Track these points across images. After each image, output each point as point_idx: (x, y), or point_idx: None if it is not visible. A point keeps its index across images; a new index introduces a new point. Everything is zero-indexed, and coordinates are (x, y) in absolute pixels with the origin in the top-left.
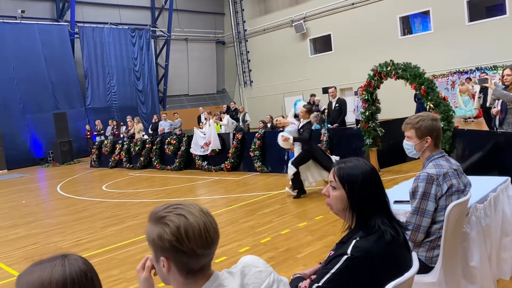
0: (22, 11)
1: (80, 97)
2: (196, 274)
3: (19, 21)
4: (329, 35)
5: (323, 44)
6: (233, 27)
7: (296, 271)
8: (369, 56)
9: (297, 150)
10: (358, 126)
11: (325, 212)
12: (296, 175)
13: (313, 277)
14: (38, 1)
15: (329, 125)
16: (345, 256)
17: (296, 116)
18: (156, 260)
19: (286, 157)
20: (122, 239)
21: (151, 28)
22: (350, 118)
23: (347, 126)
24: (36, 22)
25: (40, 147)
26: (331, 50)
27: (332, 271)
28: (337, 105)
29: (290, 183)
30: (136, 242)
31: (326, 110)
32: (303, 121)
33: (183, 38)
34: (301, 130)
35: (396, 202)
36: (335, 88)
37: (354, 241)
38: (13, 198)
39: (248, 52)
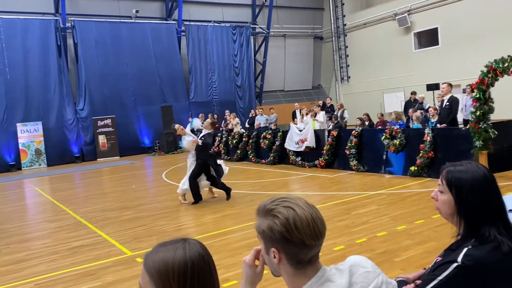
0: (136, 11)
1: (184, 92)
2: (305, 266)
3: (133, 21)
4: (436, 28)
5: (428, 38)
6: (332, 22)
7: (393, 275)
8: (481, 52)
9: (190, 162)
10: (467, 127)
11: (426, 216)
12: (192, 186)
13: (418, 282)
14: (150, 2)
15: (437, 125)
16: (455, 264)
17: (192, 130)
18: (266, 251)
19: (384, 156)
20: (220, 227)
21: (251, 25)
22: (458, 117)
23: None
24: (148, 21)
25: (148, 137)
26: (437, 44)
27: (440, 278)
28: (447, 103)
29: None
30: (233, 231)
31: (431, 109)
32: (204, 131)
33: (281, 34)
34: (202, 138)
35: (511, 211)
36: (449, 84)
37: (465, 249)
38: (124, 182)
39: (347, 47)
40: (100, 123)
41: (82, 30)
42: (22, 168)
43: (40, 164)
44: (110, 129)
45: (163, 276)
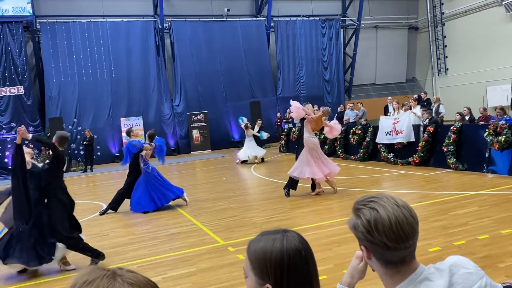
0: (228, 10)
1: (272, 87)
2: (397, 266)
3: (225, 19)
4: None
5: None
6: (428, 10)
7: (497, 282)
8: None
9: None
10: None
11: None
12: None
13: None
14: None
15: None
16: None
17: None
18: (360, 247)
19: (487, 154)
20: (309, 221)
21: (341, 18)
22: None
23: None
24: (238, 19)
25: (237, 132)
26: None
27: None
28: None
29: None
30: (322, 227)
31: None
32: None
33: (372, 25)
34: None
35: None
36: None
37: None
38: (215, 174)
39: (445, 37)
40: (194, 118)
41: (178, 30)
42: None
43: None
44: (203, 124)
45: (261, 265)
